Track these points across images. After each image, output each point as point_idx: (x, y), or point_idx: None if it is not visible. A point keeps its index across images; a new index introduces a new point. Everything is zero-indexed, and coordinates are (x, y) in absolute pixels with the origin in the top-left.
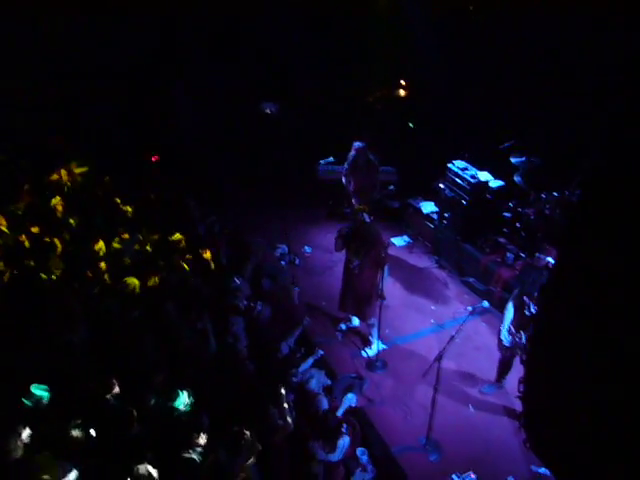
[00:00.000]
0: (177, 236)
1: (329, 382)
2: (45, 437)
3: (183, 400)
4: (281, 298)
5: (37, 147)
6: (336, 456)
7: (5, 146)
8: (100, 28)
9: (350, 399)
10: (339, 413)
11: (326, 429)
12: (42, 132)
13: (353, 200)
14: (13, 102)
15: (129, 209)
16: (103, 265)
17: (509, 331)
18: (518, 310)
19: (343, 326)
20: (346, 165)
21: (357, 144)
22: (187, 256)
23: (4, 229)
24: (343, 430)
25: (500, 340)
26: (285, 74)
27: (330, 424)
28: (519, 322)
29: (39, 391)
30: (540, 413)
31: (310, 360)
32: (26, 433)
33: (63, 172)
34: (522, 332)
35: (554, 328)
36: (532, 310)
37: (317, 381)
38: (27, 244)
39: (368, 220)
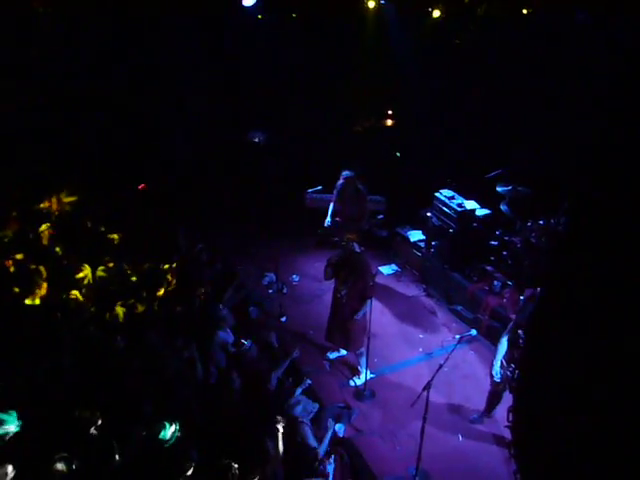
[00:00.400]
0: (165, 266)
1: (315, 408)
2: (28, 470)
3: (170, 431)
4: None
5: (26, 176)
6: None
7: None
8: (85, 54)
9: (338, 429)
10: (324, 445)
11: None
12: (30, 159)
13: (328, 221)
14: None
15: (115, 237)
16: (78, 294)
17: (501, 365)
18: (512, 344)
19: (331, 355)
20: (334, 193)
21: (346, 173)
22: (172, 284)
23: None
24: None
25: (491, 375)
26: (273, 103)
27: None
28: (512, 356)
29: (4, 416)
30: (530, 443)
31: (299, 390)
32: (10, 469)
33: (53, 200)
34: (514, 366)
35: (542, 357)
36: None
37: (303, 408)
38: (12, 269)
39: (358, 250)
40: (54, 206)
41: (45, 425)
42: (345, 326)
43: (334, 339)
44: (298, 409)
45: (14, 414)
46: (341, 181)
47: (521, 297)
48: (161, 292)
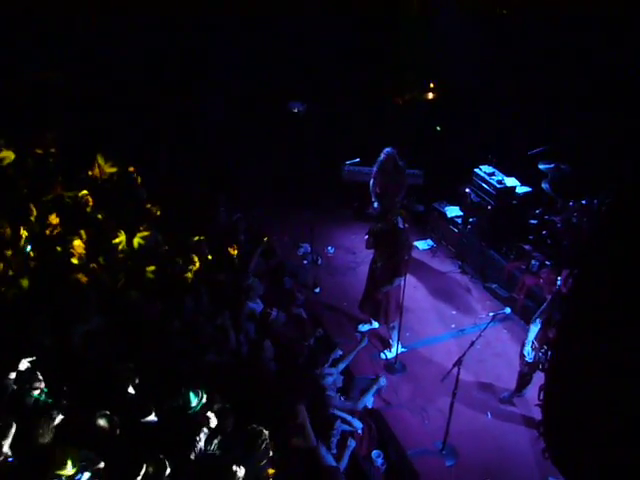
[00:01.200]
0: (196, 238)
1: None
2: (70, 426)
3: (197, 400)
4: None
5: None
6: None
7: (41, 140)
8: (135, 26)
9: (367, 400)
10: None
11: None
12: (75, 128)
13: (376, 203)
14: (48, 98)
15: (155, 210)
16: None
17: (533, 346)
18: (547, 325)
19: (363, 327)
20: (374, 168)
21: (387, 150)
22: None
23: (32, 218)
24: (349, 442)
25: (522, 355)
26: (314, 74)
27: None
28: (546, 337)
29: None
30: (561, 422)
31: (330, 360)
32: (59, 418)
33: (96, 169)
34: (546, 347)
35: (577, 338)
36: None
37: (333, 381)
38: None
39: (401, 226)
40: (97, 174)
41: (84, 384)
42: (376, 298)
43: (365, 309)
44: (329, 380)
45: None
46: (382, 157)
47: (558, 278)
48: (196, 263)
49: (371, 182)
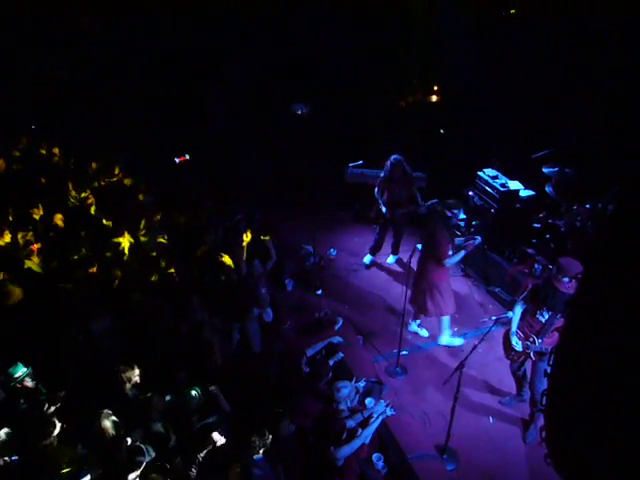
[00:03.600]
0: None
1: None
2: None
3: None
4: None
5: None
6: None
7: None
8: (140, 29)
9: (368, 403)
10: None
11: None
12: (75, 126)
13: (384, 210)
14: (49, 97)
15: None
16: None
17: (518, 335)
18: (531, 317)
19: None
20: (382, 175)
21: (395, 157)
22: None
23: (36, 217)
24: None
25: (511, 347)
26: (318, 76)
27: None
28: (531, 327)
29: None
30: (564, 428)
31: (331, 363)
32: (58, 426)
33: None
34: (535, 337)
35: (581, 342)
36: (546, 315)
37: (348, 392)
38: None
39: (448, 214)
40: (100, 176)
41: (87, 385)
42: (420, 291)
43: (413, 302)
44: (344, 392)
45: (19, 364)
46: (388, 165)
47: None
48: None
49: (376, 190)
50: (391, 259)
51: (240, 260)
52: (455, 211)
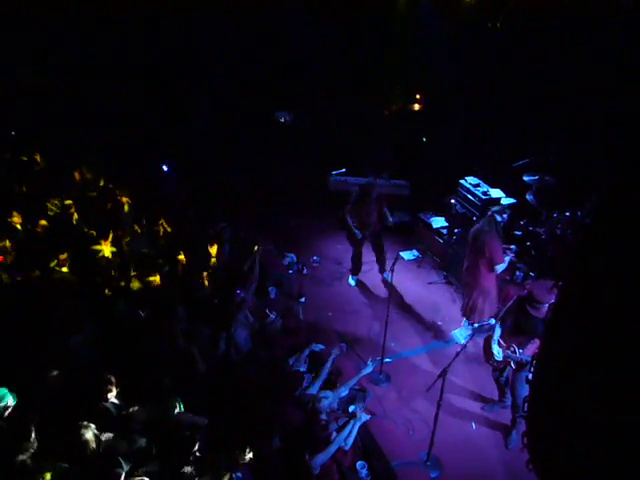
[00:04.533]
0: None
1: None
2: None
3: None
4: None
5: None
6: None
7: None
8: (122, 27)
9: (351, 411)
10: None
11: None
12: (56, 132)
13: (357, 233)
14: (30, 102)
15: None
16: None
17: (499, 344)
18: (512, 323)
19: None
20: (352, 198)
21: (367, 180)
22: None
23: (18, 226)
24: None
25: (491, 355)
26: (300, 83)
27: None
28: (512, 336)
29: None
30: (545, 435)
31: (318, 381)
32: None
33: (76, 175)
34: (515, 346)
35: (561, 350)
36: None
37: (329, 403)
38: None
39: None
40: (77, 180)
41: (66, 398)
42: (473, 297)
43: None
44: (325, 403)
45: (4, 389)
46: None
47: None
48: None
49: (348, 217)
50: (387, 276)
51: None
52: (504, 216)
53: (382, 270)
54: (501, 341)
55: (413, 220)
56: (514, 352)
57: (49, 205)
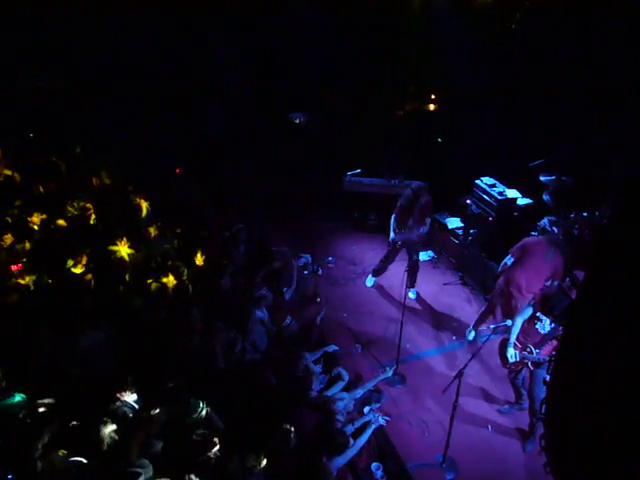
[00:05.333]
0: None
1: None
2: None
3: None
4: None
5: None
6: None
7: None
8: (137, 30)
9: (367, 412)
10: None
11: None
12: (72, 135)
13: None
14: (44, 106)
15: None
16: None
17: (515, 346)
18: (528, 324)
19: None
20: (399, 203)
21: (415, 184)
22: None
23: (35, 227)
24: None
25: (505, 358)
26: (316, 84)
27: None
28: (528, 336)
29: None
30: (564, 437)
31: (341, 384)
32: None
33: (95, 179)
34: (532, 346)
35: (580, 351)
36: (546, 327)
37: (344, 404)
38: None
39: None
40: (96, 184)
41: (83, 396)
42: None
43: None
44: (340, 405)
45: (18, 395)
46: (409, 191)
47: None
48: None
49: (393, 218)
50: (411, 294)
51: (239, 268)
52: (555, 228)
53: (409, 285)
54: (517, 343)
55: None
56: (530, 353)
57: (68, 207)
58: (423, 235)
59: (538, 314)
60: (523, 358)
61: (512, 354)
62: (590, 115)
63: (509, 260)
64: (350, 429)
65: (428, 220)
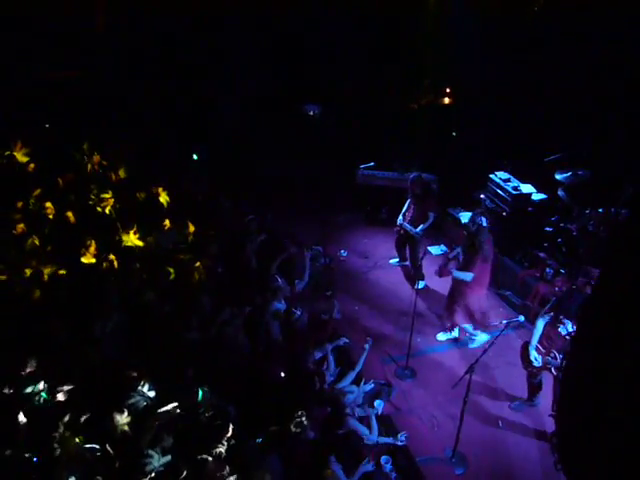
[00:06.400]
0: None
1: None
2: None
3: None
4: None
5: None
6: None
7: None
8: (148, 27)
9: (377, 406)
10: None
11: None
12: (86, 126)
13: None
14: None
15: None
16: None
17: (537, 350)
18: (551, 328)
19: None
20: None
21: (412, 175)
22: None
23: (50, 216)
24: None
25: (529, 361)
26: (330, 77)
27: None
28: (551, 341)
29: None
30: (575, 435)
31: (352, 375)
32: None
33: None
34: (555, 351)
35: (594, 349)
36: (569, 329)
37: (354, 397)
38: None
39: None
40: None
41: (95, 384)
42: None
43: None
44: (350, 398)
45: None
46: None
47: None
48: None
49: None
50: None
51: (250, 261)
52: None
53: (415, 277)
54: (540, 347)
55: (441, 215)
56: (554, 358)
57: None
58: (424, 231)
59: (560, 317)
60: (546, 363)
61: (535, 357)
62: (608, 109)
63: None
64: (352, 422)
65: (431, 215)
